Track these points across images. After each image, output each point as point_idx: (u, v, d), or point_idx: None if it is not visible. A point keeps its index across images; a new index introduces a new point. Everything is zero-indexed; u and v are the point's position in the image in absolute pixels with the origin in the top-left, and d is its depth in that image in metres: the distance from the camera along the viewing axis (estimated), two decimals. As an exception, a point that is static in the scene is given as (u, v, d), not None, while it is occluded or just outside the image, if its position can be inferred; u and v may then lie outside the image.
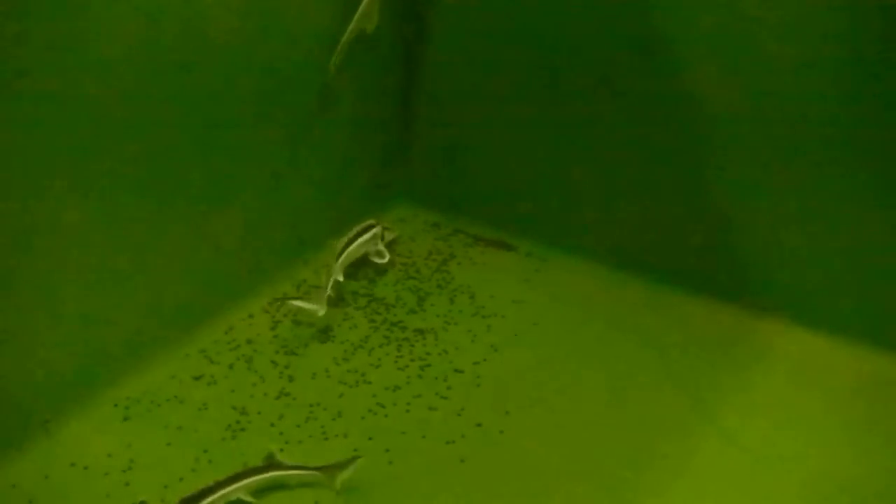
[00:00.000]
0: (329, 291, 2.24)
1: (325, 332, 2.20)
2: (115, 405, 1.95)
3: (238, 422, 1.92)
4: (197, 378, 2.04)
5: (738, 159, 2.09)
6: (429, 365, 2.08)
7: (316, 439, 1.87)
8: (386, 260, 2.45)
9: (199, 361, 2.10)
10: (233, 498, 1.70)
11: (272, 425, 1.91)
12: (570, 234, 2.43)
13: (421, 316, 2.27)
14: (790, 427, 1.86)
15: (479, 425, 1.90)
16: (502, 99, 2.42)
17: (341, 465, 1.75)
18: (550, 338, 2.17)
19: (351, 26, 2.27)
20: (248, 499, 1.72)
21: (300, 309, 2.22)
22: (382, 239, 2.46)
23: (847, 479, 1.73)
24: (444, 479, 1.77)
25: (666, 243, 2.28)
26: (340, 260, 2.31)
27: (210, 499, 1.67)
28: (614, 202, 2.33)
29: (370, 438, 1.87)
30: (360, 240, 2.38)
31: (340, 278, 2.31)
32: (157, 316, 2.10)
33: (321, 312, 2.19)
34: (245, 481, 1.72)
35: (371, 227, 2.42)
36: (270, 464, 1.76)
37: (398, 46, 2.55)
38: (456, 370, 2.07)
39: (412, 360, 2.10)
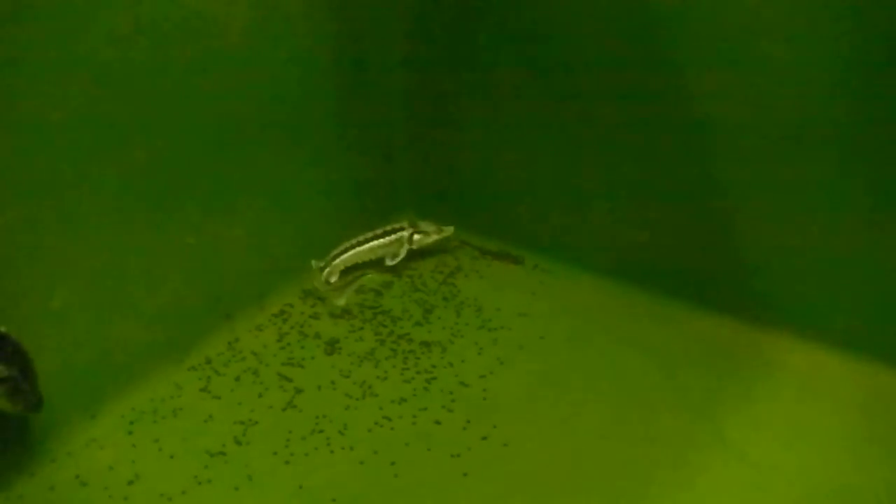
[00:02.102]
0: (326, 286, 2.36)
1: (331, 345, 2.20)
2: (122, 416, 1.96)
3: (244, 434, 1.92)
4: (202, 390, 2.05)
5: (746, 171, 2.08)
6: (435, 378, 2.08)
7: (321, 452, 1.87)
8: (392, 262, 2.48)
9: (204, 373, 2.10)
10: None
11: (278, 438, 1.91)
12: (577, 247, 2.43)
13: (427, 328, 2.26)
14: (795, 441, 1.85)
15: (484, 438, 1.90)
16: (508, 110, 2.42)
17: None
18: (556, 351, 2.17)
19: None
20: None
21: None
22: (410, 243, 2.49)
23: (851, 494, 1.72)
24: (450, 492, 1.77)
25: (672, 256, 2.27)
26: (336, 262, 2.40)
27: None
28: (621, 215, 2.33)
29: (376, 451, 1.87)
30: (374, 243, 2.45)
31: (333, 279, 2.38)
32: (162, 327, 2.10)
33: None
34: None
35: (398, 230, 2.49)
36: None
37: (404, 55, 2.55)
38: (462, 383, 2.06)
39: (418, 373, 2.10)
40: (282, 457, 1.86)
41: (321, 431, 1.93)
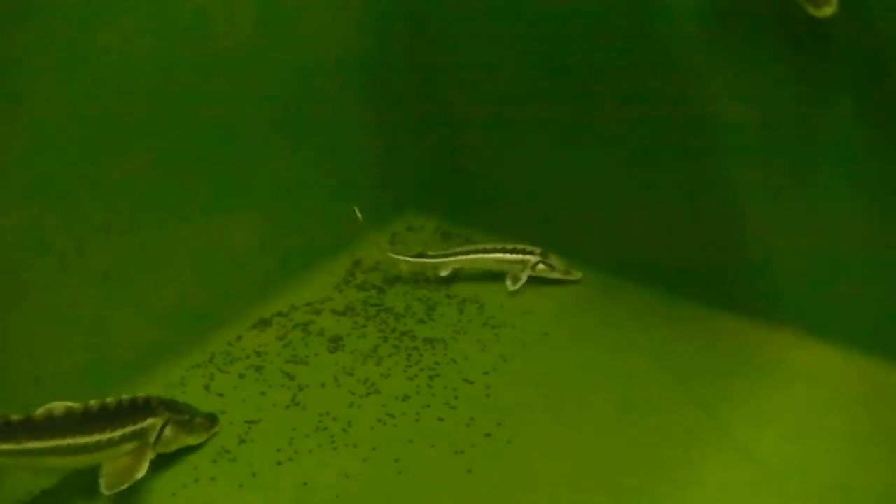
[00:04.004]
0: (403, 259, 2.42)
1: (334, 342, 2.20)
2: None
3: (247, 432, 1.92)
4: (205, 388, 2.05)
5: (750, 169, 2.08)
6: (438, 375, 2.08)
7: (325, 449, 1.87)
8: (513, 287, 2.36)
9: (207, 371, 2.10)
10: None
11: (281, 435, 1.91)
12: (581, 245, 2.42)
13: (430, 325, 2.26)
14: (801, 438, 1.85)
15: (487, 435, 1.89)
16: (513, 107, 2.41)
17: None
18: (560, 348, 2.16)
19: None
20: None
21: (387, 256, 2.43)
22: (533, 269, 2.36)
23: (855, 491, 1.72)
24: (453, 488, 1.76)
25: (677, 254, 2.27)
26: (453, 258, 2.40)
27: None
28: (625, 212, 2.33)
29: (379, 449, 1.87)
30: (498, 256, 2.39)
31: (444, 273, 2.40)
32: (165, 324, 2.10)
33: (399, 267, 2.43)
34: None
35: (527, 252, 2.38)
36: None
37: (408, 54, 2.55)
38: (465, 380, 2.06)
39: (421, 370, 2.10)
40: (285, 454, 1.86)
41: (325, 429, 1.92)
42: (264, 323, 2.28)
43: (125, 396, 1.78)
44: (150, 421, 1.78)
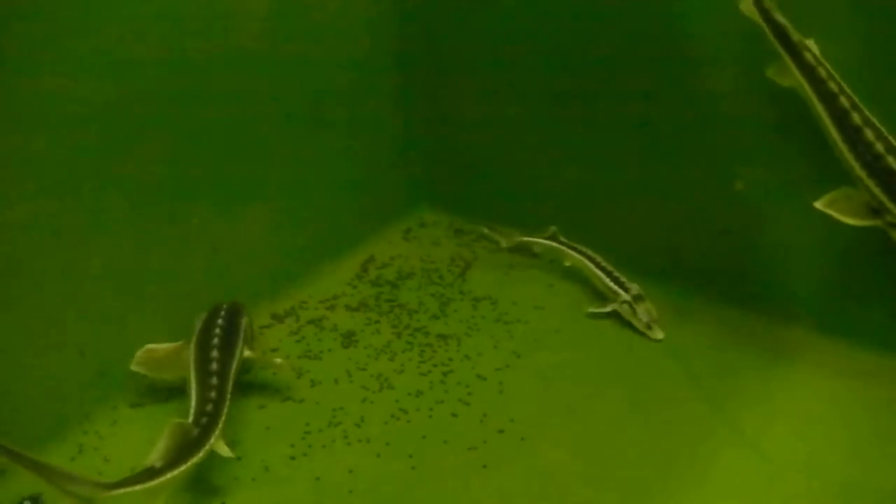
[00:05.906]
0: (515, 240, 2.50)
1: (347, 338, 2.21)
2: (140, 407, 1.98)
3: (261, 426, 1.93)
4: (221, 382, 2.06)
5: (762, 167, 2.07)
6: (451, 371, 2.09)
7: (338, 444, 1.88)
8: (593, 310, 2.27)
9: (222, 365, 2.11)
10: None
11: (294, 430, 1.92)
12: (592, 241, 2.42)
13: (443, 321, 2.27)
14: (811, 435, 1.85)
15: (500, 431, 1.90)
16: (524, 104, 2.42)
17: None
18: (572, 344, 2.17)
19: None
20: None
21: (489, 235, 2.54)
22: (619, 305, 2.23)
23: (864, 488, 1.72)
24: (466, 484, 1.77)
25: (688, 251, 2.27)
26: (568, 249, 2.41)
27: None
28: (636, 209, 2.33)
29: (392, 444, 1.88)
30: (601, 273, 2.30)
31: (566, 263, 2.42)
32: (178, 319, 2.10)
33: (503, 245, 2.51)
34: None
35: (625, 288, 2.23)
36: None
37: (422, 51, 2.56)
38: (478, 376, 2.07)
39: (435, 366, 2.10)
40: (299, 449, 1.87)
41: (338, 424, 1.93)
42: (277, 318, 2.29)
43: (222, 315, 2.00)
44: (244, 321, 2.03)
